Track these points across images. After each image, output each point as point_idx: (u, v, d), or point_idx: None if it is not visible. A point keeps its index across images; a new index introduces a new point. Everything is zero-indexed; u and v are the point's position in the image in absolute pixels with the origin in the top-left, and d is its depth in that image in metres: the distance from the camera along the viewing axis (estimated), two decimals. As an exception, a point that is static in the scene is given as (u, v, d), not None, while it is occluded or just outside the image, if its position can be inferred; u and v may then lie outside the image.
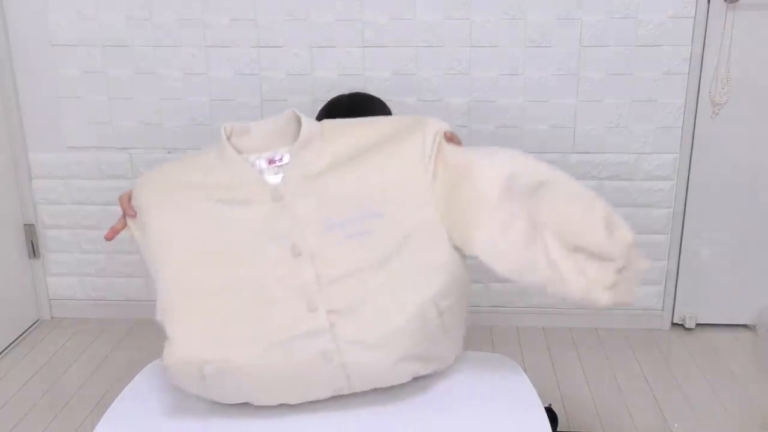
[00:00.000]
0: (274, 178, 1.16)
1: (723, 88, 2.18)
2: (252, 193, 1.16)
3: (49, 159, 2.39)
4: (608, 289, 1.12)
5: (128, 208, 1.21)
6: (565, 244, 1.13)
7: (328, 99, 2.19)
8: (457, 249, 1.17)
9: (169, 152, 2.34)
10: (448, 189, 1.17)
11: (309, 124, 1.20)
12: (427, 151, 1.18)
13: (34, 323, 2.51)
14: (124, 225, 1.22)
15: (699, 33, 2.15)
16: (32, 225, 2.45)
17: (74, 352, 2.32)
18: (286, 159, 1.17)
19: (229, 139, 1.21)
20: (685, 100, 2.21)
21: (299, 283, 1.12)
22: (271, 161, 1.18)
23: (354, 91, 1.86)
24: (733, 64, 2.16)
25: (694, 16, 2.13)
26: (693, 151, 2.26)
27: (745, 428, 1.91)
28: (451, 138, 1.23)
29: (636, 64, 2.18)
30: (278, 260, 1.13)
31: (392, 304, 1.12)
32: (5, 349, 2.34)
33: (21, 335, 2.43)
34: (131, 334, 2.41)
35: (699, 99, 2.20)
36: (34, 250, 2.48)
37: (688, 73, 2.18)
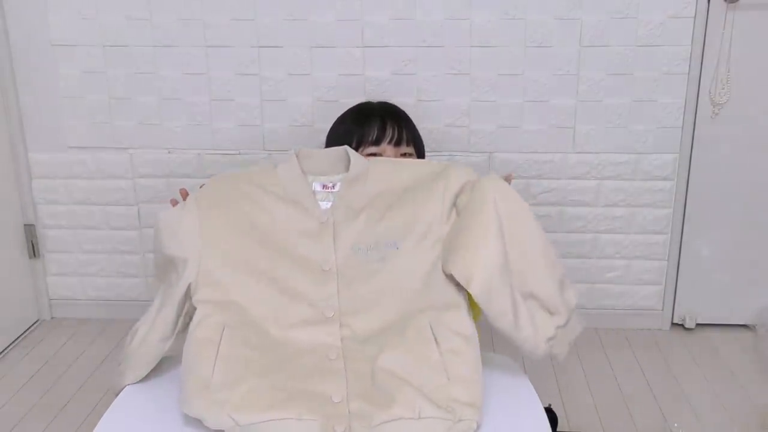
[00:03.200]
0: (324, 204, 1.34)
1: (723, 88, 2.18)
2: (304, 212, 1.33)
3: (49, 159, 2.39)
4: (546, 341, 1.28)
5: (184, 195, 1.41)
6: (522, 288, 1.28)
7: (328, 99, 2.19)
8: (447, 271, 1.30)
9: (169, 152, 2.35)
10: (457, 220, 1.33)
11: (357, 162, 1.37)
12: (447, 199, 1.33)
13: (34, 323, 2.51)
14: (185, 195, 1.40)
15: (699, 33, 2.15)
16: (32, 225, 2.45)
17: (74, 352, 2.32)
18: (337, 188, 1.36)
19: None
20: (685, 100, 2.21)
21: (321, 291, 1.29)
22: (325, 186, 1.36)
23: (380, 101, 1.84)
24: (733, 64, 2.16)
25: (694, 16, 2.13)
26: (693, 151, 2.26)
27: (745, 428, 1.91)
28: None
29: (636, 64, 2.18)
30: (309, 268, 1.30)
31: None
32: (5, 349, 2.34)
33: (21, 335, 2.43)
34: (131, 334, 2.41)
35: (699, 99, 2.20)
36: (34, 250, 2.48)
37: (688, 73, 2.18)
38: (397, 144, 1.62)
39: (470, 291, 1.25)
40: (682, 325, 2.42)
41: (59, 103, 2.33)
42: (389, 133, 1.61)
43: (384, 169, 1.39)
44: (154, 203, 2.39)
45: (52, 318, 2.55)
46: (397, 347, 1.22)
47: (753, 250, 2.33)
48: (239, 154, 2.33)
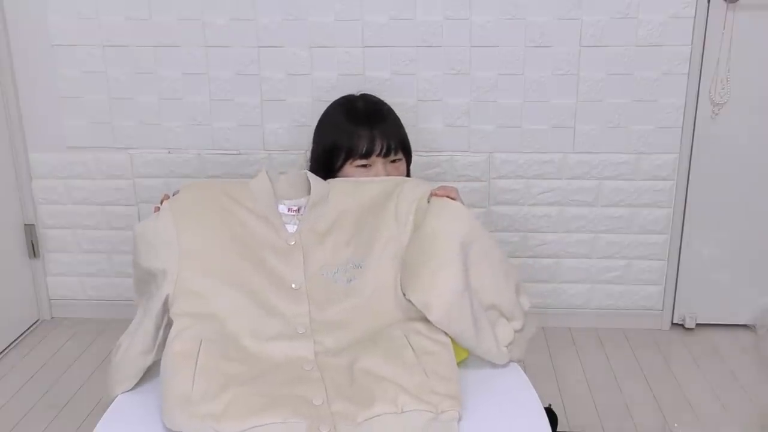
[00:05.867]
0: (290, 227, 1.39)
1: (723, 88, 2.18)
2: (274, 230, 1.37)
3: (49, 159, 2.39)
4: (506, 347, 1.34)
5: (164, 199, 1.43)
6: (483, 302, 1.33)
7: (328, 99, 2.18)
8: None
9: (169, 152, 2.35)
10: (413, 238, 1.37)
11: (317, 186, 1.42)
12: (401, 214, 1.39)
13: (34, 323, 2.51)
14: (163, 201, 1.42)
15: (699, 33, 2.15)
16: (32, 225, 2.45)
17: (74, 352, 2.32)
18: (302, 211, 1.41)
19: None
20: (685, 100, 2.21)
21: (293, 308, 1.32)
22: (290, 209, 1.41)
23: (362, 93, 1.85)
24: (733, 64, 2.16)
25: (694, 16, 2.13)
26: (693, 151, 2.26)
27: (745, 428, 1.91)
28: (445, 193, 1.41)
29: (636, 64, 2.18)
30: (281, 285, 1.33)
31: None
32: (5, 349, 2.34)
33: (21, 335, 2.43)
34: (131, 334, 2.41)
35: (699, 99, 2.20)
36: (34, 250, 2.48)
37: (688, 73, 2.18)
38: (386, 155, 1.63)
39: (429, 318, 1.28)
40: (682, 325, 2.42)
41: (59, 103, 2.33)
42: (378, 146, 1.61)
43: (343, 190, 1.46)
44: (154, 203, 2.39)
45: (52, 318, 2.55)
46: (372, 352, 1.24)
47: (753, 250, 2.33)
48: (239, 154, 2.33)
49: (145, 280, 1.37)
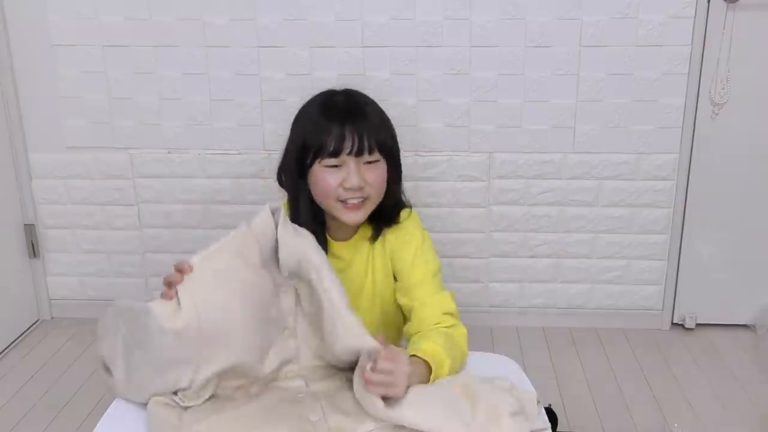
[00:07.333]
0: (286, 299, 1.31)
1: (723, 88, 2.18)
2: (275, 289, 1.30)
3: (49, 159, 2.39)
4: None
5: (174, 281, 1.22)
6: None
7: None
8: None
9: (169, 152, 2.35)
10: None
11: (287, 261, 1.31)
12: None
13: (34, 323, 2.51)
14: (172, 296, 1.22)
15: (699, 33, 2.15)
16: (32, 225, 2.45)
17: (74, 352, 2.32)
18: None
19: None
20: (685, 100, 2.21)
21: (285, 345, 1.29)
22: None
23: (346, 88, 1.66)
24: (733, 64, 2.16)
25: (694, 16, 2.13)
26: (693, 151, 2.26)
27: (745, 428, 1.91)
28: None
29: (636, 64, 2.18)
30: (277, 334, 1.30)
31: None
32: (5, 349, 2.34)
33: (21, 335, 2.43)
34: (131, 334, 2.41)
35: (699, 99, 2.20)
36: (34, 250, 2.48)
37: (688, 73, 2.18)
38: (359, 154, 1.42)
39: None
40: (682, 325, 2.42)
41: (59, 103, 2.33)
42: (348, 144, 1.41)
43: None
44: (154, 203, 2.39)
45: (52, 318, 2.55)
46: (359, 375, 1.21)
47: (753, 250, 2.33)
48: (239, 154, 2.33)
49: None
